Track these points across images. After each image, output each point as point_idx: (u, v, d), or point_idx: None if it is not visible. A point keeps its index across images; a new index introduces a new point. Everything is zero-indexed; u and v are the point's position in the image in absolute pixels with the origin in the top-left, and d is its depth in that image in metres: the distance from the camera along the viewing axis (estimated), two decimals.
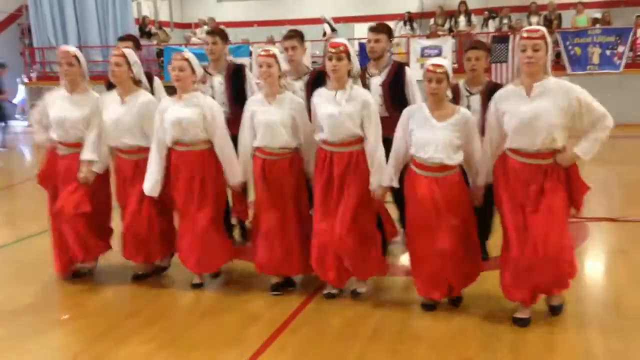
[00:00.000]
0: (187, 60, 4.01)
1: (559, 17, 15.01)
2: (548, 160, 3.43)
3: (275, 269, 4.11)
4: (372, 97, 3.94)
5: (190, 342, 3.53)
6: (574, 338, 3.46)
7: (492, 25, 15.33)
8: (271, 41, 14.57)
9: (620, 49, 13.46)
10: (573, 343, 3.41)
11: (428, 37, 14.98)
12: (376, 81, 4.44)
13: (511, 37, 14.03)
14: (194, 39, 17.18)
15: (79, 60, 4.26)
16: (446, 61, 3.65)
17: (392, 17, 15.87)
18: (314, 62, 15.47)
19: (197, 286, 4.29)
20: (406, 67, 4.57)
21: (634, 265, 4.63)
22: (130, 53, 4.26)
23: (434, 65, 3.55)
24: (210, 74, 4.80)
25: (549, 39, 3.37)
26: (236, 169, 4.12)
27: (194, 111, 4.02)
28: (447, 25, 15.68)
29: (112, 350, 3.45)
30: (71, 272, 4.49)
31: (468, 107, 4.05)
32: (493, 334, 3.51)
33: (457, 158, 3.61)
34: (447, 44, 14.08)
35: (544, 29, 3.39)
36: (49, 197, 4.44)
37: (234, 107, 4.64)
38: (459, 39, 14.51)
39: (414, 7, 17.60)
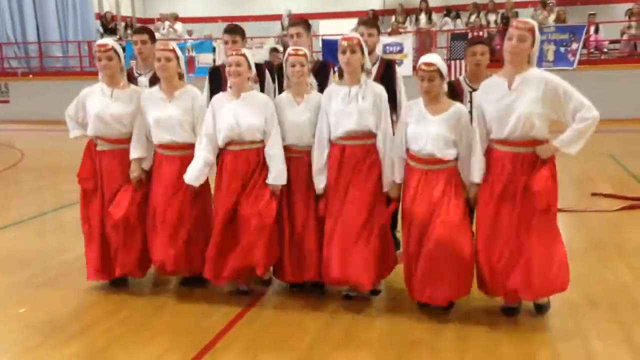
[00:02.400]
0: (244, 56, 3.84)
1: (516, 15, 15.37)
2: (529, 149, 3.45)
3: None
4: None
5: (148, 333, 3.61)
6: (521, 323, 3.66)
7: (452, 24, 15.65)
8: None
9: (574, 46, 13.86)
10: (519, 328, 3.60)
11: (390, 34, 15.18)
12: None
13: (470, 34, 14.38)
14: (157, 35, 17.04)
15: (118, 54, 4.10)
16: (438, 57, 3.65)
17: (356, 14, 16.05)
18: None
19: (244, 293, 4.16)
20: (395, 64, 4.55)
21: (580, 254, 4.86)
22: (176, 47, 4.09)
23: (425, 63, 3.54)
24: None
25: (537, 34, 3.41)
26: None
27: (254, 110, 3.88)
28: (407, 23, 15.93)
29: (68, 343, 3.50)
30: (110, 277, 4.27)
31: (470, 102, 4.07)
32: (442, 317, 3.68)
33: (449, 153, 3.61)
34: (408, 41, 14.32)
35: (535, 23, 3.42)
36: (83, 195, 4.25)
37: None
38: (419, 37, 14.76)
39: (377, 5, 17.82)
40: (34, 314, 3.93)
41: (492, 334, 3.49)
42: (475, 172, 3.60)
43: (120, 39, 17.64)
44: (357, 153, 3.79)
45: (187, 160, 3.94)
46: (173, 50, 3.96)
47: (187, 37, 17.01)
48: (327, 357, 3.28)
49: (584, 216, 5.94)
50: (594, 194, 6.72)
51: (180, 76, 4.06)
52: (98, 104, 4.10)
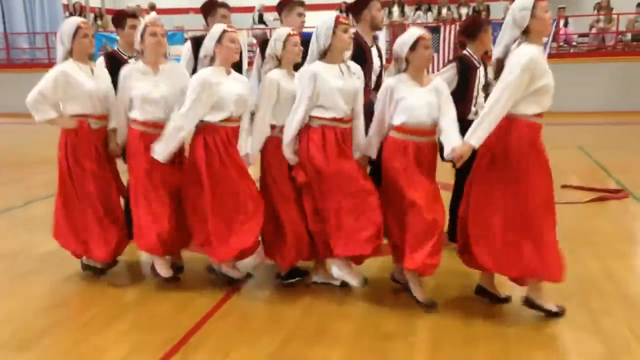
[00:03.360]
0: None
1: (488, 8, 15.52)
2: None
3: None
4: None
5: (115, 331, 3.53)
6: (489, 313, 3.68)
7: (424, 17, 15.70)
8: (207, 29, 14.41)
9: (544, 39, 14.02)
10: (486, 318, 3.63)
11: None
12: (375, 51, 4.48)
13: (442, 27, 14.46)
14: None
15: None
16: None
17: (330, 6, 15.98)
18: (250, 51, 15.41)
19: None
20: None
21: None
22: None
23: (425, 34, 3.71)
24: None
25: None
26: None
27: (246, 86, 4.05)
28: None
29: (36, 342, 3.41)
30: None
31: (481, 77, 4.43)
32: (416, 310, 3.69)
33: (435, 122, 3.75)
34: (381, 33, 14.31)
35: None
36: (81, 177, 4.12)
37: None
38: (392, 29, 14.78)
39: None
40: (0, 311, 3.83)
41: (466, 325, 3.50)
42: (483, 132, 3.46)
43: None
44: (347, 134, 3.93)
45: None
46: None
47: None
48: (301, 353, 3.26)
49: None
50: (563, 186, 6.81)
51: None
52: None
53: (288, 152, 3.89)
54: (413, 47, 3.68)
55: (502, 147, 3.47)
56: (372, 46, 4.46)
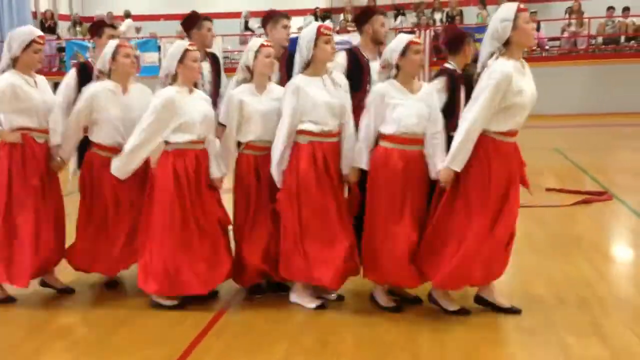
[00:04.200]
0: None
1: (461, 13, 15.68)
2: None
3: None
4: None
5: (108, 352, 3.39)
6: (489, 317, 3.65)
7: (400, 23, 15.78)
8: (181, 36, 14.25)
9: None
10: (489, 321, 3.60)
11: (338, 32, 15.16)
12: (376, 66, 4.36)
13: (417, 32, 14.54)
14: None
15: None
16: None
17: (303, 12, 15.97)
18: (225, 57, 15.30)
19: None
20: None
21: (540, 249, 4.94)
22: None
23: (415, 39, 3.65)
24: None
25: None
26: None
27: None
28: None
29: None
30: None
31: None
32: (416, 319, 3.64)
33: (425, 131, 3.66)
34: (357, 39, 14.30)
35: None
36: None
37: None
38: None
39: (322, 3, 17.77)
40: None
41: (468, 332, 3.46)
42: (461, 157, 3.48)
43: (58, 38, 17.02)
44: (336, 149, 3.84)
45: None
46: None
47: (132, 35, 16.54)
48: None
49: (540, 211, 6.03)
50: (548, 189, 6.87)
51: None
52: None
53: (275, 172, 3.77)
54: (403, 52, 3.61)
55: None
56: (374, 60, 4.37)
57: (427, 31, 14.62)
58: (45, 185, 4.00)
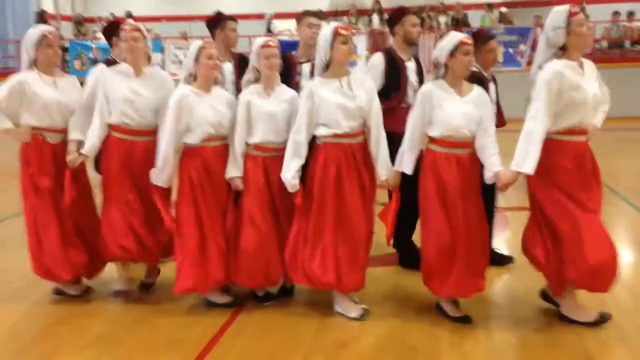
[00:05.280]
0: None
1: (466, 16, 15.65)
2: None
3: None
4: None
5: (125, 350, 3.35)
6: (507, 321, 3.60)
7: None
8: (184, 36, 14.21)
9: (522, 47, 14.17)
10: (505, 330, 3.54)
11: None
12: (411, 66, 4.32)
13: (421, 35, 14.51)
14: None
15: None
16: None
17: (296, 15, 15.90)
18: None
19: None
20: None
21: None
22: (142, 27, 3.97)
23: (467, 39, 3.47)
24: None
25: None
26: None
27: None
28: (360, 24, 15.95)
29: None
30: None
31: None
32: (436, 322, 3.59)
33: (474, 134, 3.52)
34: (362, 42, 14.29)
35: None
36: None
37: None
38: (372, 38, 14.77)
39: (324, 5, 17.73)
40: None
41: (489, 336, 3.42)
42: (533, 158, 3.34)
43: (62, 38, 16.97)
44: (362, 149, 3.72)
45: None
46: (139, 30, 3.86)
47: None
48: None
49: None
50: None
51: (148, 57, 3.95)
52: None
53: (288, 175, 3.63)
54: (452, 52, 3.46)
55: None
56: (408, 60, 4.34)
57: (432, 34, 14.58)
58: (58, 185, 3.91)
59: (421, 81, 4.34)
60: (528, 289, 3.95)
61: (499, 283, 4.25)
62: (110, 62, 4.43)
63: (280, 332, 3.53)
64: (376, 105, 3.68)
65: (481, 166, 3.54)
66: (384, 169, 3.67)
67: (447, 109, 3.49)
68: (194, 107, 3.70)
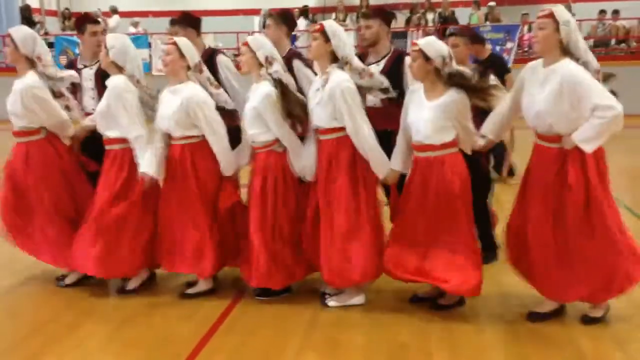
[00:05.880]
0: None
1: (453, 13, 15.68)
2: (557, 144, 3.34)
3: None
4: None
5: (120, 345, 3.35)
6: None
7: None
8: (172, 32, 14.12)
9: (509, 45, 14.25)
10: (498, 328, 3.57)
11: None
12: (375, 70, 4.13)
13: (409, 33, 14.54)
14: None
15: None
16: (428, 40, 3.48)
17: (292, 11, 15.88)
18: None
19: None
20: (407, 56, 4.03)
21: None
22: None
23: (412, 43, 3.49)
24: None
25: (560, 18, 3.22)
26: None
27: None
28: (348, 21, 15.92)
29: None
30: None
31: None
32: (425, 318, 3.61)
33: (442, 138, 3.47)
34: (350, 38, 14.30)
35: (554, 9, 3.25)
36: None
37: None
38: (360, 36, 14.76)
39: (312, 2, 17.69)
40: None
41: (479, 332, 3.44)
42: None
43: (47, 33, 16.79)
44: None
45: None
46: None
47: (123, 31, 16.36)
48: None
49: None
50: None
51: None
52: None
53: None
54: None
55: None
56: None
57: (420, 31, 14.62)
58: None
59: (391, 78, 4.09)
60: (519, 284, 3.98)
61: (489, 279, 4.26)
62: (72, 63, 4.43)
63: (273, 329, 3.54)
64: (341, 105, 3.66)
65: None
66: (375, 168, 3.66)
67: (412, 114, 3.55)
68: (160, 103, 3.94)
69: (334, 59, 3.62)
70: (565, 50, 3.27)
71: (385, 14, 4.18)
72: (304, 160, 3.77)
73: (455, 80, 3.43)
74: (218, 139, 3.80)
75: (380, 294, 3.91)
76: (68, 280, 4.15)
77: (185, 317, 3.68)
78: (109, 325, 3.61)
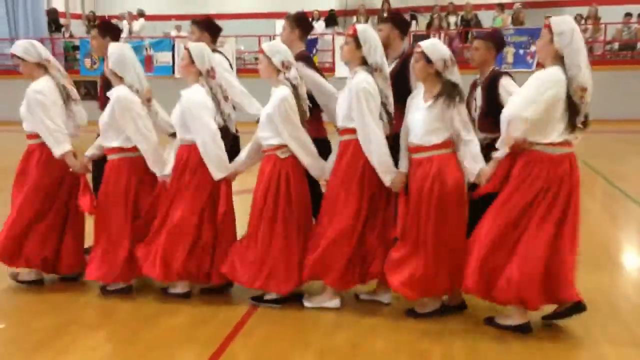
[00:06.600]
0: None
1: (476, 16, 15.58)
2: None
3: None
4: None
5: (142, 345, 3.37)
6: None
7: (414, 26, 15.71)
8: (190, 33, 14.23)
9: (533, 48, 14.12)
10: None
11: None
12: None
13: (431, 36, 14.48)
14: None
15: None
16: (431, 42, 3.53)
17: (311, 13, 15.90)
18: (238, 59, 15.29)
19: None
20: None
21: None
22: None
23: (417, 45, 3.52)
24: None
25: (555, 30, 3.27)
26: None
27: None
28: (370, 24, 15.92)
29: None
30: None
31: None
32: (447, 324, 3.59)
33: (430, 140, 3.49)
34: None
35: (552, 20, 3.32)
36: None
37: None
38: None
39: (335, 5, 17.72)
40: (11, 330, 3.64)
41: (502, 343, 3.39)
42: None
43: (72, 36, 17.04)
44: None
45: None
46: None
47: (146, 34, 16.56)
48: None
49: None
50: None
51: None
52: None
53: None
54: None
55: None
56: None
57: (442, 34, 14.56)
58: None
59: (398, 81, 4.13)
60: None
61: None
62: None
63: (293, 332, 3.53)
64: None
65: None
66: (379, 171, 3.65)
67: (409, 115, 3.60)
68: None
69: (365, 63, 3.65)
70: (562, 60, 3.29)
71: (396, 19, 4.24)
72: (329, 162, 3.84)
73: (444, 89, 3.47)
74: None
75: (401, 300, 3.87)
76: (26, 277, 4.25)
77: (203, 320, 3.69)
78: (130, 327, 3.63)
